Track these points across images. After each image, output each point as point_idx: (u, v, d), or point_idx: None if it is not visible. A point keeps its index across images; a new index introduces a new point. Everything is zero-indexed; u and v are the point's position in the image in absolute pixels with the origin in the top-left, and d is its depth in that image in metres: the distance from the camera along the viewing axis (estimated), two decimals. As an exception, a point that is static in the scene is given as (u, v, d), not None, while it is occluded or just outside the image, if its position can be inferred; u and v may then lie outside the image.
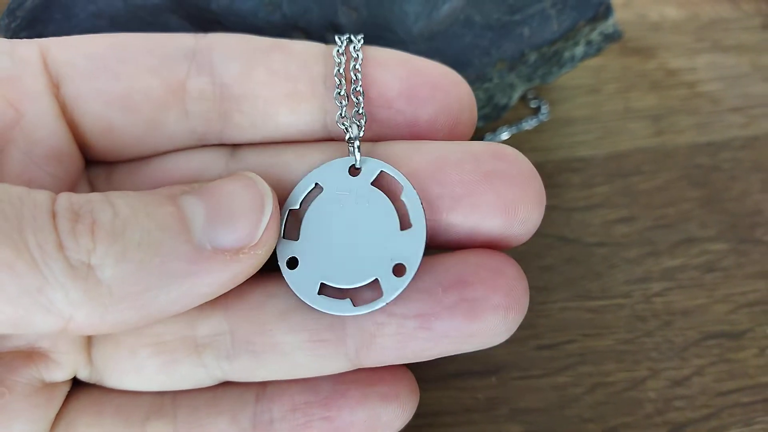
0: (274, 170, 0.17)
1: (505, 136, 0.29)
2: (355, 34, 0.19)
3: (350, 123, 0.17)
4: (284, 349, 0.17)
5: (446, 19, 0.22)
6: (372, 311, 0.16)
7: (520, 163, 0.16)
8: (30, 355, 0.17)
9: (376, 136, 0.18)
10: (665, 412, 0.23)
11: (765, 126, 0.32)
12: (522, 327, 0.24)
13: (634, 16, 0.36)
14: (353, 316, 0.16)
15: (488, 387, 0.22)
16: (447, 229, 0.16)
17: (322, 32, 0.23)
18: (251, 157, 0.18)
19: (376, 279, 0.16)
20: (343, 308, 0.16)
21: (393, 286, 0.16)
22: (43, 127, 0.16)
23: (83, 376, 0.18)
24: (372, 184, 0.17)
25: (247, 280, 0.16)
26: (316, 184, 0.17)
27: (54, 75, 0.16)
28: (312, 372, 0.17)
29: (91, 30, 0.22)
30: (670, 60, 0.34)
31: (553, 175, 0.28)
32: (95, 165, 0.18)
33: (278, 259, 0.17)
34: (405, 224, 0.16)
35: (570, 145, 0.30)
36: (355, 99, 0.17)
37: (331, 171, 0.17)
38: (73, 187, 0.17)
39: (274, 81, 0.17)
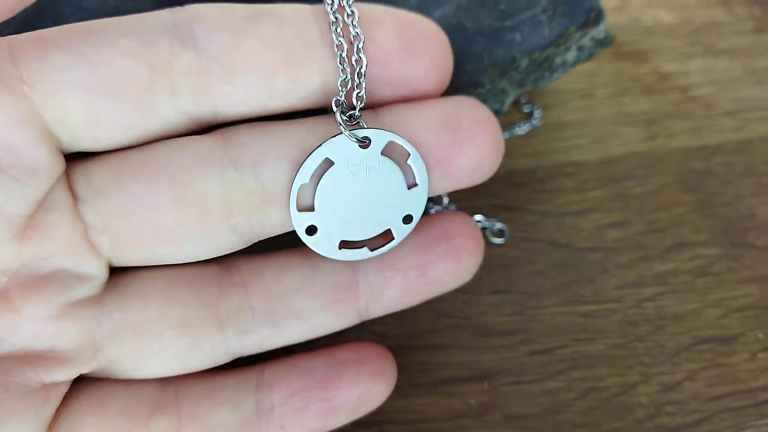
0: (280, 149, 0.18)
1: (497, 140, 0.29)
2: None
3: (350, 91, 0.17)
4: (303, 314, 0.19)
5: (438, 25, 0.22)
6: (385, 251, 0.19)
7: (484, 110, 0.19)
8: (26, 357, 0.17)
9: (369, 95, 0.18)
10: (657, 417, 0.23)
11: (758, 130, 0.32)
12: (514, 332, 0.24)
13: (627, 20, 0.36)
14: (365, 271, 0.19)
15: (480, 392, 0.23)
16: (457, 172, 0.19)
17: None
18: (252, 142, 0.18)
19: (389, 228, 0.19)
20: (362, 254, 0.19)
21: (402, 232, 0.19)
22: (6, 128, 0.15)
23: (87, 371, 0.18)
24: (381, 153, 0.18)
25: (260, 257, 0.19)
26: (326, 158, 0.17)
27: (25, 72, 0.15)
28: (327, 330, 0.19)
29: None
30: (663, 64, 0.34)
31: (545, 180, 0.28)
32: (75, 167, 0.17)
33: (296, 229, 0.18)
34: (411, 184, 0.18)
35: (563, 149, 0.30)
36: (355, 65, 0.17)
37: (340, 144, 0.17)
38: (46, 193, 0.16)
39: (268, 49, 0.16)
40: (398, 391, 0.22)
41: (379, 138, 0.17)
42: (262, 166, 0.17)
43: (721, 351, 0.24)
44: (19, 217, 0.16)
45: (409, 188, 0.18)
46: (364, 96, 0.17)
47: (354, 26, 0.17)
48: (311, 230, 0.18)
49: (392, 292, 0.19)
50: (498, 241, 0.26)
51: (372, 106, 0.19)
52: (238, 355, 0.19)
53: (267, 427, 0.18)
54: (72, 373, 0.17)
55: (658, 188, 0.29)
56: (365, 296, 0.19)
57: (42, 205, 0.16)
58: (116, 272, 0.18)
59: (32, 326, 0.17)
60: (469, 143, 0.18)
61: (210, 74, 0.16)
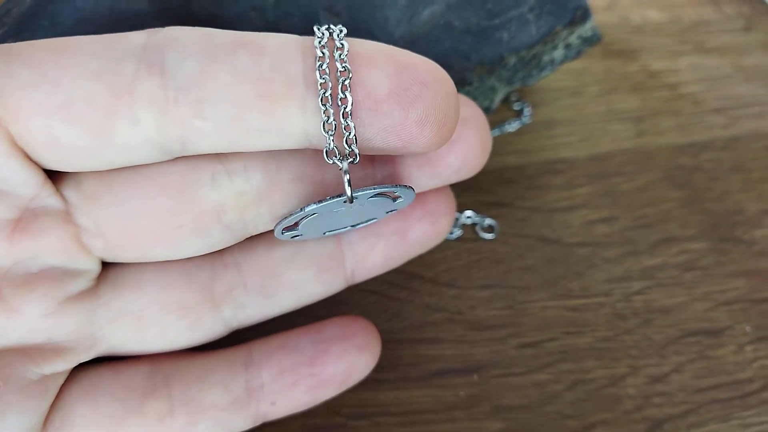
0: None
1: (488, 138, 0.30)
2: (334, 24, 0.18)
3: (338, 136, 0.15)
4: (295, 285, 0.20)
5: (426, 24, 0.23)
6: (365, 226, 0.19)
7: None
8: (25, 350, 0.17)
9: (360, 143, 0.16)
10: (644, 408, 0.23)
11: (746, 127, 0.32)
12: (504, 326, 0.24)
13: (616, 19, 0.36)
14: (350, 240, 0.20)
15: (470, 385, 0.23)
16: (446, 170, 0.20)
17: (304, 38, 0.23)
18: (256, 176, 0.17)
19: (374, 217, 0.19)
20: (346, 229, 0.19)
21: (384, 216, 0.19)
22: None
23: (86, 359, 0.18)
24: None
25: (252, 239, 0.20)
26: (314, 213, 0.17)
27: None
28: (317, 298, 0.20)
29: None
30: (652, 62, 0.34)
31: (535, 177, 0.29)
32: (64, 174, 0.17)
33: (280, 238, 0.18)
34: (396, 197, 0.18)
35: (552, 146, 0.30)
36: (340, 104, 0.15)
37: (327, 205, 0.16)
38: (30, 200, 0.16)
39: (241, 82, 0.15)
40: (390, 383, 0.23)
41: (366, 193, 0.16)
42: (253, 169, 0.17)
43: (708, 344, 0.25)
44: (4, 221, 0.16)
45: (394, 201, 0.18)
46: (356, 140, 0.15)
47: (343, 61, 0.15)
48: (295, 235, 0.19)
49: (376, 257, 0.20)
50: (488, 236, 0.27)
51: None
52: (235, 328, 0.20)
53: (257, 404, 0.19)
54: (71, 363, 0.18)
55: (647, 184, 0.29)
56: (351, 263, 0.20)
57: (30, 210, 0.16)
58: (108, 265, 0.19)
59: (29, 322, 0.17)
60: (457, 142, 0.19)
61: (176, 104, 0.15)
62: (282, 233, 0.18)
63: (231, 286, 0.19)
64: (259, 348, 0.20)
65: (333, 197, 0.16)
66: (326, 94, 0.15)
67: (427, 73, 0.15)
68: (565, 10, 0.23)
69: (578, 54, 0.26)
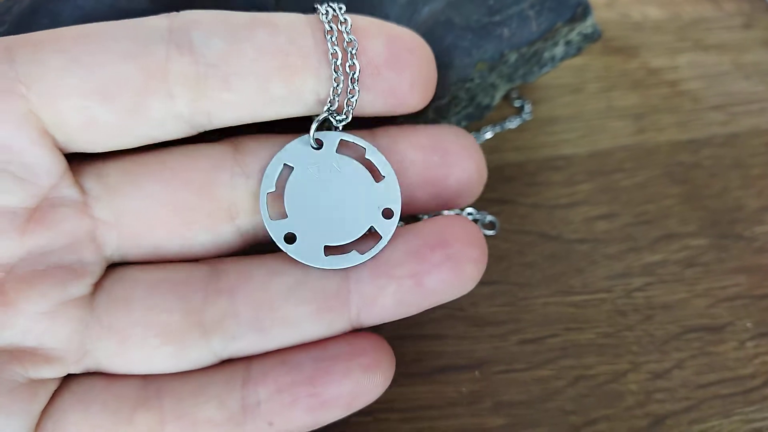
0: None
1: (488, 135, 0.30)
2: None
3: (342, 97, 0.18)
4: (292, 321, 0.18)
5: (427, 21, 0.23)
6: (374, 255, 0.18)
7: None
8: (13, 352, 0.17)
9: (359, 106, 0.18)
10: (646, 404, 0.23)
11: (745, 123, 0.32)
12: (505, 322, 0.24)
13: (616, 16, 0.36)
14: (358, 278, 0.18)
15: (471, 381, 0.23)
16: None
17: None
18: (261, 150, 0.19)
19: (371, 226, 0.18)
20: (352, 259, 0.18)
21: (387, 228, 0.18)
22: (3, 127, 0.16)
23: (78, 370, 0.18)
24: (336, 152, 0.18)
25: (249, 261, 0.19)
26: (285, 164, 0.18)
27: (23, 74, 0.16)
28: (316, 337, 0.18)
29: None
30: (651, 59, 0.34)
31: (535, 174, 0.29)
32: (85, 165, 0.18)
33: (274, 239, 0.18)
34: (378, 177, 0.18)
35: (553, 143, 0.30)
36: (349, 71, 0.17)
37: (295, 149, 0.18)
38: (49, 189, 0.17)
39: (264, 56, 0.17)
40: (393, 379, 0.23)
41: (330, 139, 0.18)
42: None
43: (709, 340, 0.25)
44: (21, 210, 0.16)
45: (377, 182, 0.18)
46: (355, 102, 0.18)
47: (348, 33, 0.17)
48: (290, 239, 0.18)
49: (386, 301, 0.18)
50: (489, 233, 0.27)
51: (364, 119, 0.19)
52: (225, 359, 0.19)
53: (254, 423, 0.18)
54: (59, 372, 0.17)
55: (647, 181, 0.29)
56: (357, 305, 0.18)
57: (48, 200, 0.17)
58: (107, 273, 0.18)
59: (24, 322, 0.17)
60: (456, 167, 0.19)
61: (207, 80, 0.17)
62: (270, 219, 0.18)
63: (222, 315, 0.18)
64: (258, 363, 0.18)
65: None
66: (337, 63, 0.17)
67: (412, 41, 0.18)
68: (565, 7, 0.23)
69: (578, 51, 0.26)
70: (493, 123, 0.30)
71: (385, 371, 0.19)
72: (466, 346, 0.24)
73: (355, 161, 0.18)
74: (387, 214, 0.18)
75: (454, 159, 0.19)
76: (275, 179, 0.18)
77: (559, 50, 0.25)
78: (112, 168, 0.18)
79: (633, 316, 0.25)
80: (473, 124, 0.30)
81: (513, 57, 0.24)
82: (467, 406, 0.22)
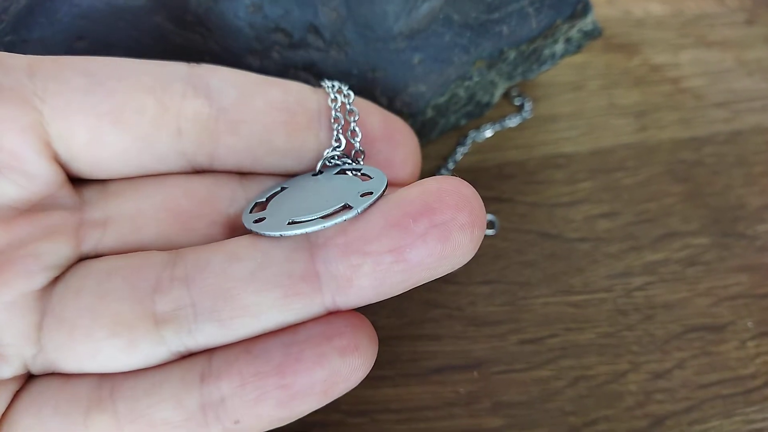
0: None
1: (488, 133, 0.30)
2: (336, 34, 0.20)
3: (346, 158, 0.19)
4: (255, 310, 0.16)
5: (425, 18, 0.23)
6: (340, 221, 0.16)
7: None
8: None
9: None
10: (646, 404, 0.23)
11: (748, 121, 0.32)
12: (504, 321, 0.24)
13: (618, 13, 0.36)
14: (326, 257, 0.16)
15: (470, 381, 0.23)
16: None
17: (302, 33, 0.23)
18: (268, 180, 0.20)
19: (345, 204, 0.16)
20: (314, 224, 0.16)
21: (362, 202, 0.16)
22: (11, 134, 0.16)
23: (36, 369, 0.17)
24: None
25: (208, 247, 0.17)
26: (282, 187, 0.19)
27: (41, 88, 0.16)
28: (284, 326, 0.17)
29: (76, 32, 0.22)
30: (653, 56, 0.34)
31: (536, 172, 0.29)
32: (89, 185, 0.18)
33: (244, 223, 0.18)
34: (366, 178, 0.18)
35: (553, 141, 0.30)
36: (351, 139, 0.19)
37: (297, 177, 0.19)
38: (44, 197, 0.17)
39: (272, 110, 0.18)
40: (389, 380, 0.23)
41: (332, 168, 0.19)
42: None
43: (710, 339, 0.25)
44: (11, 210, 0.17)
45: (364, 181, 0.18)
46: (362, 162, 0.20)
47: (349, 104, 0.20)
48: (259, 221, 0.17)
49: (363, 282, 0.16)
50: (489, 232, 0.27)
51: None
52: (183, 354, 0.17)
53: (217, 422, 0.16)
54: (14, 370, 0.16)
55: (648, 179, 0.29)
56: (330, 288, 0.16)
57: (40, 205, 0.17)
58: (71, 265, 0.18)
59: None
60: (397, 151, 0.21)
61: (216, 122, 0.18)
62: (249, 213, 0.18)
63: (176, 306, 0.16)
64: (219, 354, 0.17)
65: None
66: (339, 128, 0.19)
67: (403, 125, 0.21)
68: (565, 4, 0.23)
69: (579, 48, 0.26)
70: (493, 121, 0.30)
71: (366, 351, 0.17)
72: (465, 346, 0.24)
73: (348, 174, 0.19)
74: (365, 195, 0.17)
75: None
76: (268, 195, 0.19)
77: (559, 47, 0.25)
78: (117, 181, 0.19)
79: (633, 316, 0.25)
80: (473, 122, 0.30)
81: (512, 54, 0.24)
82: (465, 407, 0.22)
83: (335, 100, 0.19)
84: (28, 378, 0.17)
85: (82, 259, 0.18)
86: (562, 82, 0.32)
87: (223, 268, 0.17)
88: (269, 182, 0.20)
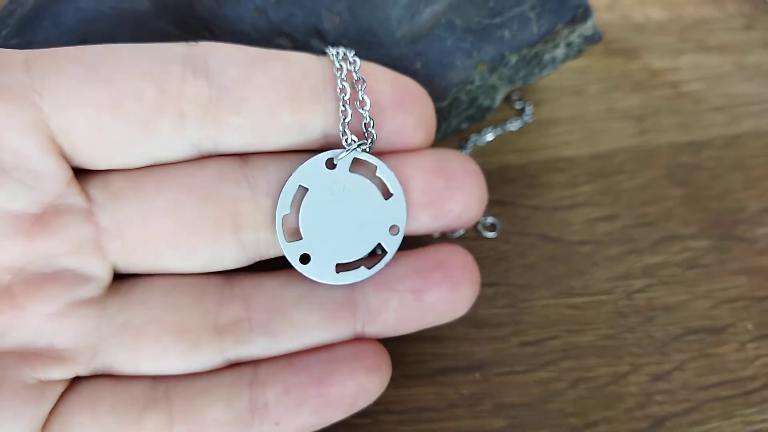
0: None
1: (489, 137, 0.30)
2: (340, 38, 0.20)
3: (352, 132, 0.19)
4: (301, 327, 0.19)
5: (428, 23, 0.23)
6: (381, 268, 0.20)
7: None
8: (24, 354, 0.17)
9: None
10: (646, 406, 0.23)
11: (747, 125, 0.32)
12: (506, 324, 0.24)
13: (618, 18, 0.36)
14: (363, 291, 0.20)
15: (472, 383, 0.23)
16: (446, 215, 0.20)
17: (306, 37, 0.23)
18: (269, 163, 0.19)
19: (379, 243, 0.19)
20: (361, 274, 0.19)
21: (393, 244, 0.19)
22: (13, 133, 0.16)
23: (86, 371, 0.18)
24: (349, 170, 0.19)
25: (260, 273, 0.20)
26: (300, 186, 0.18)
27: (38, 83, 0.16)
28: (322, 343, 0.19)
29: (81, 36, 0.22)
30: (653, 60, 0.34)
31: (536, 176, 0.29)
32: (93, 174, 0.18)
33: (289, 259, 0.19)
34: (387, 194, 0.19)
35: (554, 145, 0.30)
36: (360, 108, 0.18)
37: (310, 170, 0.18)
38: (55, 196, 0.17)
39: (275, 86, 0.18)
40: (393, 381, 0.22)
41: (345, 158, 0.19)
42: (276, 187, 0.19)
43: (710, 341, 0.25)
44: (26, 215, 0.17)
45: (386, 199, 0.19)
46: (374, 133, 0.19)
47: (356, 72, 0.19)
48: (305, 258, 0.19)
49: (389, 315, 0.19)
50: (490, 235, 0.27)
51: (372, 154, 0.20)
52: (233, 362, 0.19)
53: (261, 424, 0.18)
54: (69, 373, 0.18)
55: (648, 182, 0.29)
56: (362, 316, 0.19)
57: (53, 207, 0.17)
58: (121, 278, 0.19)
59: (33, 324, 0.17)
60: (459, 190, 0.20)
61: (218, 103, 0.17)
62: (286, 240, 0.19)
63: (236, 319, 0.19)
64: (265, 365, 0.19)
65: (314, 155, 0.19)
66: (346, 98, 0.18)
67: (415, 88, 0.20)
68: (566, 9, 0.24)
69: (579, 52, 0.26)
70: (495, 125, 0.30)
71: (385, 373, 0.20)
72: (467, 347, 0.24)
73: (366, 180, 0.19)
74: (393, 231, 0.19)
75: (458, 183, 0.20)
76: (290, 201, 0.18)
77: (559, 52, 0.25)
78: (118, 176, 0.18)
79: (633, 318, 0.25)
80: (475, 126, 0.30)
81: (513, 59, 0.24)
82: (467, 408, 0.22)
83: (340, 68, 0.19)
84: (74, 379, 0.18)
85: (117, 273, 0.19)
86: (563, 86, 0.32)
87: (276, 291, 0.19)
88: (272, 166, 0.19)
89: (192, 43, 0.18)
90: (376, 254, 0.20)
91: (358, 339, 0.20)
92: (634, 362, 0.24)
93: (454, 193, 0.20)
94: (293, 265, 0.19)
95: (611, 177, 0.29)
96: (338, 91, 0.18)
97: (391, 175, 0.19)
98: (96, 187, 0.18)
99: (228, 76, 0.17)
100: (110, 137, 0.17)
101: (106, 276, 0.18)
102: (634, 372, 0.24)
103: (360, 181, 0.19)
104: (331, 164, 0.19)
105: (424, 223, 0.20)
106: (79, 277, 0.18)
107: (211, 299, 0.19)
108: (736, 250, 0.27)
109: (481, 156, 0.29)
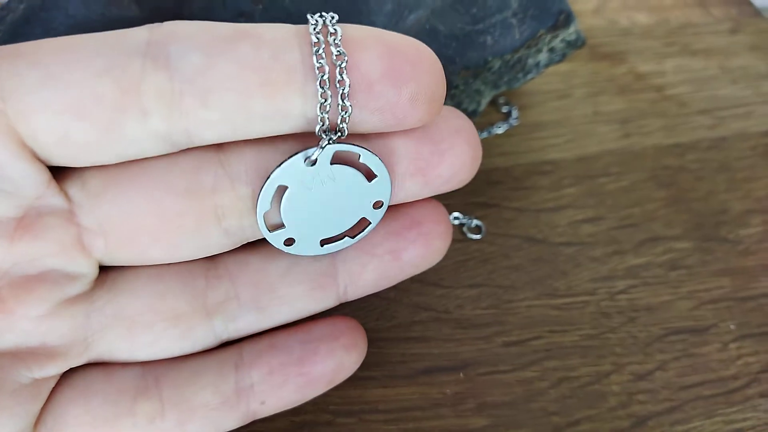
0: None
1: (476, 140, 0.30)
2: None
3: (328, 116, 0.16)
4: (288, 299, 0.20)
5: (412, 29, 0.23)
6: (365, 235, 0.20)
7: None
8: (17, 354, 0.17)
9: (353, 122, 0.17)
10: (629, 405, 0.23)
11: (732, 127, 0.32)
12: (490, 324, 0.25)
13: (604, 22, 0.37)
14: (344, 258, 0.20)
15: (456, 382, 0.23)
16: (436, 180, 0.20)
17: (292, 43, 0.24)
18: (246, 149, 0.18)
19: (363, 217, 0.19)
20: (345, 243, 0.20)
21: (376, 216, 0.19)
22: None
23: (77, 364, 0.18)
24: (331, 163, 0.17)
25: (244, 249, 0.20)
26: (279, 185, 0.18)
27: (0, 88, 0.15)
28: (309, 313, 0.20)
29: (71, 43, 0.23)
30: (639, 64, 0.35)
31: (522, 178, 0.29)
32: (70, 173, 0.18)
33: (274, 244, 0.19)
34: (371, 176, 0.18)
35: (539, 148, 0.30)
36: (338, 87, 0.16)
37: (289, 169, 0.17)
38: (34, 199, 0.17)
39: (244, 72, 0.16)
40: (377, 381, 0.23)
41: (325, 153, 0.17)
42: (255, 174, 0.18)
43: (692, 341, 0.25)
44: (7, 219, 0.17)
45: (369, 180, 0.18)
46: (348, 118, 0.16)
47: (337, 45, 0.16)
48: (289, 242, 0.19)
49: (368, 276, 0.20)
50: (475, 237, 0.27)
51: (353, 131, 0.18)
52: (224, 340, 0.20)
53: (247, 403, 0.19)
54: (63, 367, 0.18)
55: (632, 185, 0.30)
56: (344, 281, 0.20)
57: (34, 209, 0.17)
58: (105, 268, 0.19)
59: (24, 325, 0.17)
60: (449, 153, 0.19)
61: (183, 97, 0.16)
62: (268, 230, 0.18)
63: (224, 298, 0.19)
64: (249, 348, 0.20)
65: (292, 156, 0.17)
66: (324, 78, 0.16)
67: (416, 53, 0.16)
68: (547, 15, 0.24)
69: (563, 57, 0.27)
70: (481, 128, 0.30)
71: (361, 349, 0.21)
72: (451, 348, 0.24)
73: (348, 168, 0.18)
74: (377, 205, 0.19)
75: (447, 145, 0.19)
76: (270, 199, 0.18)
77: (543, 57, 0.26)
78: (94, 174, 0.18)
79: (616, 318, 0.25)
80: (461, 129, 0.30)
81: (497, 64, 0.24)
82: (451, 407, 0.23)
83: (318, 43, 0.16)
84: (65, 372, 0.19)
85: (101, 265, 0.19)
86: (549, 90, 0.33)
87: (261, 267, 0.20)
88: (249, 152, 0.18)
89: (155, 26, 0.16)
90: (358, 222, 0.20)
91: (334, 318, 0.21)
92: (616, 362, 0.24)
93: (444, 157, 0.19)
94: (278, 247, 0.19)
95: (596, 179, 0.30)
96: (316, 71, 0.16)
97: (376, 159, 0.18)
98: (74, 187, 0.17)
99: (191, 65, 0.15)
100: (76, 140, 0.16)
101: (92, 272, 0.18)
102: (616, 372, 0.24)
103: (342, 170, 0.18)
104: (311, 161, 0.17)
105: (413, 191, 0.19)
106: (66, 276, 0.18)
107: (198, 282, 0.19)
108: (719, 251, 0.28)
109: (467, 159, 0.30)
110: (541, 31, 0.24)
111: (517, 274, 0.26)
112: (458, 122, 0.19)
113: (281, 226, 0.18)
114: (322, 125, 0.16)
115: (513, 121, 0.31)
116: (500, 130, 0.31)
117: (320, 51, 0.16)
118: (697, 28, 0.37)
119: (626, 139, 0.31)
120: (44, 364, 0.17)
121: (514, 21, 0.24)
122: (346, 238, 0.20)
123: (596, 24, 0.36)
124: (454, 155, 0.19)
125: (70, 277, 0.18)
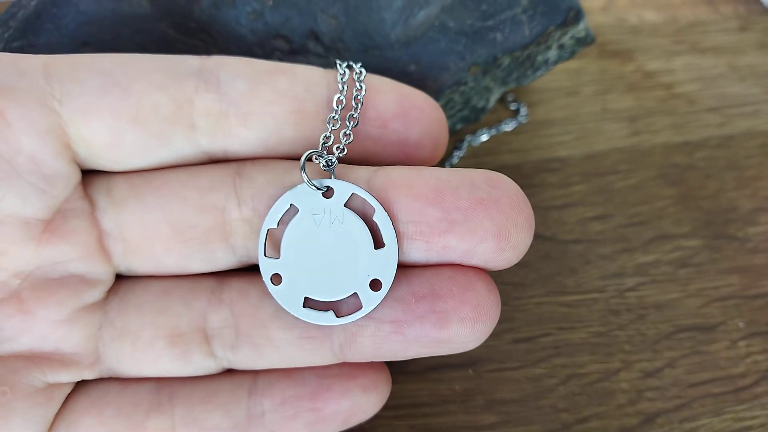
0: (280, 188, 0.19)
1: (484, 137, 0.30)
2: (336, 41, 0.19)
3: (333, 145, 0.18)
4: (277, 343, 0.18)
5: (422, 26, 0.23)
6: (350, 323, 0.18)
7: (512, 190, 0.18)
8: (32, 357, 0.18)
9: (369, 153, 0.20)
10: (637, 402, 0.23)
11: (741, 125, 0.32)
12: (499, 321, 0.25)
13: (613, 20, 0.36)
14: (340, 309, 0.18)
15: (465, 379, 0.23)
16: (443, 251, 0.17)
17: (303, 40, 0.24)
18: (259, 176, 0.19)
19: (356, 293, 0.18)
20: (327, 319, 0.18)
21: (370, 299, 0.17)
22: (30, 138, 0.16)
23: (90, 376, 0.19)
24: (345, 205, 0.18)
25: (249, 278, 0.19)
26: (291, 204, 0.18)
27: (57, 90, 0.17)
28: (302, 363, 0.19)
29: (81, 38, 0.23)
30: (647, 62, 0.35)
31: (531, 176, 0.29)
32: (95, 178, 0.19)
33: (262, 275, 0.18)
34: (378, 243, 0.18)
35: (548, 146, 0.30)
36: (348, 123, 0.19)
37: (305, 192, 0.18)
38: (63, 201, 0.18)
39: (281, 100, 0.18)
40: (386, 378, 0.23)
41: (342, 189, 0.18)
42: (259, 199, 0.19)
43: (701, 339, 0.25)
44: (37, 221, 0.17)
45: (376, 248, 0.18)
46: (344, 144, 0.18)
47: (360, 90, 0.19)
48: (276, 279, 0.18)
49: (364, 342, 0.18)
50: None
51: (370, 163, 0.19)
52: (227, 368, 0.19)
53: (257, 431, 0.19)
54: (76, 376, 0.18)
55: (641, 182, 0.30)
56: (338, 338, 0.18)
57: (61, 212, 0.18)
58: (119, 280, 0.19)
59: (42, 328, 0.18)
60: (461, 226, 0.17)
61: (228, 116, 0.18)
62: (264, 255, 0.18)
63: (223, 324, 0.19)
64: (264, 376, 0.19)
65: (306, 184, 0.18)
66: (335, 117, 0.18)
67: (423, 102, 0.19)
68: (557, 12, 0.24)
69: (572, 54, 0.27)
70: (489, 125, 0.31)
71: (382, 392, 0.19)
72: (460, 344, 0.24)
73: (360, 221, 0.18)
74: (374, 285, 0.18)
75: (463, 216, 0.17)
76: (279, 216, 0.18)
77: (552, 54, 0.26)
78: (120, 182, 0.19)
79: (625, 316, 0.25)
80: (469, 127, 0.31)
81: (506, 61, 0.24)
82: (461, 404, 0.23)
83: (342, 90, 0.19)
84: (80, 381, 0.19)
85: (119, 275, 0.19)
86: (558, 87, 0.33)
87: (257, 301, 0.19)
88: (261, 178, 0.19)
89: (204, 57, 0.19)
90: (350, 298, 0.18)
91: None
92: (625, 359, 0.24)
93: (453, 227, 0.17)
94: (264, 281, 0.18)
95: (604, 177, 0.30)
96: (335, 103, 0.18)
97: (388, 223, 0.17)
98: (99, 192, 0.18)
99: (236, 90, 0.18)
100: (127, 145, 0.18)
101: (109, 280, 0.19)
102: (625, 369, 0.24)
103: (354, 220, 0.18)
104: (327, 192, 0.18)
105: (414, 255, 0.18)
106: (86, 282, 0.18)
107: (200, 304, 0.19)
108: (727, 249, 0.28)
109: (475, 156, 0.30)
110: (551, 28, 0.24)
111: (525, 271, 0.26)
112: (485, 194, 0.17)
113: (278, 254, 0.18)
114: (324, 142, 0.18)
115: (522, 119, 0.31)
116: (509, 127, 0.31)
117: (341, 96, 0.19)
118: (705, 26, 0.37)
119: (635, 136, 0.31)
120: (57, 370, 0.18)
121: (523, 18, 0.24)
122: (331, 313, 0.18)
123: (605, 21, 0.36)
124: (468, 231, 0.17)
125: (88, 283, 0.18)
